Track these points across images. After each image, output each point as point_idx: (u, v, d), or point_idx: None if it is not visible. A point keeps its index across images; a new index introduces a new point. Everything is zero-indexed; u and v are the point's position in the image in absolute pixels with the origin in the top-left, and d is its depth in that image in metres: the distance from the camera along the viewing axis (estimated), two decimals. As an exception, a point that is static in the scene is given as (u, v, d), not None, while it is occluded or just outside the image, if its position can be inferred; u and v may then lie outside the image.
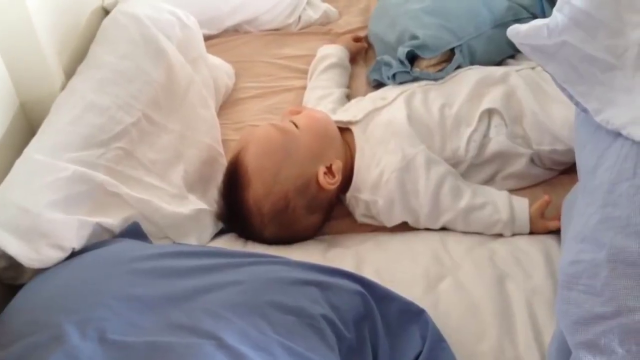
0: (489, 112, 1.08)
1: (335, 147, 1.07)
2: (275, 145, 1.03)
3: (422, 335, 0.81)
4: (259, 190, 1.00)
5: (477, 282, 0.91)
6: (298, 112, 1.11)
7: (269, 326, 0.72)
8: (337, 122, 1.12)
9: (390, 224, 1.05)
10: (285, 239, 1.02)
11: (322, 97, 1.24)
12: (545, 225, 1.01)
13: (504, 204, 1.02)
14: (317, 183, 1.02)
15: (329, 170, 1.03)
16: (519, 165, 1.07)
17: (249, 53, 1.43)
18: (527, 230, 1.01)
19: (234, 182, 1.02)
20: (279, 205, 1.00)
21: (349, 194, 1.06)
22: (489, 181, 1.09)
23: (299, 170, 1.01)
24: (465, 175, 1.07)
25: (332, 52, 1.34)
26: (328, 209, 1.06)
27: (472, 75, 1.14)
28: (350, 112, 1.14)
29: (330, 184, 1.02)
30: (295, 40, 1.47)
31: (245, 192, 1.00)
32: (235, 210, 1.02)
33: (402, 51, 1.19)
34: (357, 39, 1.41)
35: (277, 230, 1.01)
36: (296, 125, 1.06)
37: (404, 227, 1.06)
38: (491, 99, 1.08)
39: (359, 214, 1.07)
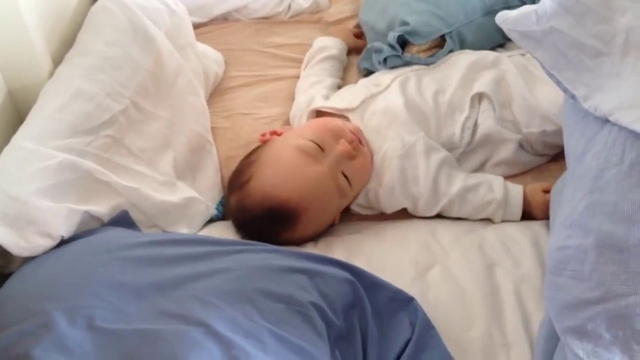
0: (479, 96, 1.08)
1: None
2: (328, 209, 1.02)
3: (411, 322, 0.82)
4: (296, 234, 1.00)
5: (466, 270, 0.92)
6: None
7: (258, 313, 0.72)
8: (332, 109, 1.11)
9: (390, 210, 1.05)
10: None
11: (315, 83, 1.24)
12: (544, 198, 1.02)
13: (499, 185, 1.03)
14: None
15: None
16: (508, 151, 1.07)
17: (238, 41, 1.42)
18: (519, 215, 1.02)
19: (277, 221, 0.98)
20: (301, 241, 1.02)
21: None
22: (479, 169, 1.09)
23: (327, 223, 1.04)
24: (457, 163, 1.08)
25: (332, 44, 1.33)
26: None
27: (463, 59, 1.15)
28: (345, 100, 1.14)
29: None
30: (285, 29, 1.46)
31: (286, 232, 0.99)
32: (262, 238, 0.97)
33: (392, 35, 1.19)
34: (357, 35, 1.40)
35: None
36: (349, 181, 1.01)
37: (394, 216, 1.06)
38: (481, 83, 1.09)
39: (355, 204, 1.07)
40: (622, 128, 0.64)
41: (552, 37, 0.71)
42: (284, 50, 1.40)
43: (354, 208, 1.08)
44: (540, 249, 0.94)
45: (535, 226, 0.99)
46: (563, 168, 0.89)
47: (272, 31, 1.45)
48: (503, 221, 1.02)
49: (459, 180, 1.03)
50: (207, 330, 0.68)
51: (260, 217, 0.98)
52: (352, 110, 1.10)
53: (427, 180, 1.02)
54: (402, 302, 0.84)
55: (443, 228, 1.01)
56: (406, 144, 1.03)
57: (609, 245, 0.61)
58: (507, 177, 1.08)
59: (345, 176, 1.00)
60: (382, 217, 1.06)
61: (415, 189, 1.02)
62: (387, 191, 1.03)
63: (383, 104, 1.09)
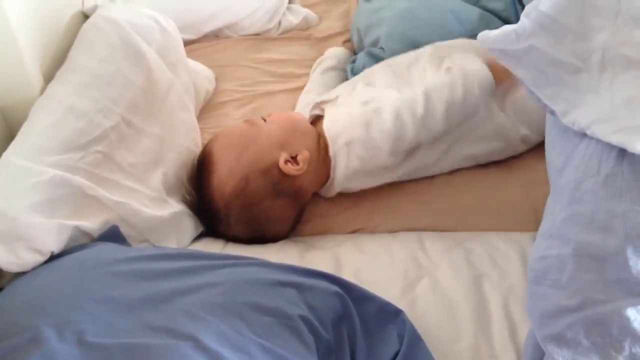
0: None
1: (304, 141, 1.08)
2: (240, 134, 1.07)
3: (399, 335, 0.82)
4: (222, 173, 1.03)
5: (454, 282, 0.92)
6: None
7: (247, 327, 0.73)
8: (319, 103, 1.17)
9: (379, 155, 1.04)
10: (253, 228, 1.03)
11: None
12: None
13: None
14: (279, 169, 1.04)
15: (294, 160, 1.05)
16: None
17: (229, 58, 1.44)
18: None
19: (200, 168, 1.06)
20: (240, 185, 1.02)
21: (332, 151, 1.06)
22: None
23: (260, 155, 1.04)
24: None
25: (333, 54, 1.38)
26: (295, 198, 1.06)
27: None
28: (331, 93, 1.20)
29: (293, 169, 1.04)
30: (276, 45, 1.48)
31: (210, 176, 1.04)
32: (202, 197, 1.05)
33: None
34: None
35: (241, 214, 1.02)
36: (265, 120, 1.10)
37: (382, 228, 1.07)
38: None
39: (341, 174, 1.06)
40: (598, 141, 0.66)
41: (531, 55, 0.73)
42: (274, 66, 1.42)
43: (339, 186, 1.08)
44: (526, 261, 0.94)
45: (523, 239, 1.00)
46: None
47: (262, 47, 1.48)
48: (491, 231, 1.03)
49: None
50: (196, 344, 0.68)
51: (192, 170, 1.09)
52: (329, 101, 1.16)
53: (391, 112, 1.03)
54: (391, 314, 0.84)
55: (431, 240, 1.02)
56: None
57: (586, 254, 0.63)
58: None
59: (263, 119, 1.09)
60: (372, 228, 1.07)
61: (383, 120, 1.03)
62: (363, 132, 1.03)
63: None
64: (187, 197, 1.08)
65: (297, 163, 1.05)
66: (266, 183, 1.03)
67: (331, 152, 1.06)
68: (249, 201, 1.02)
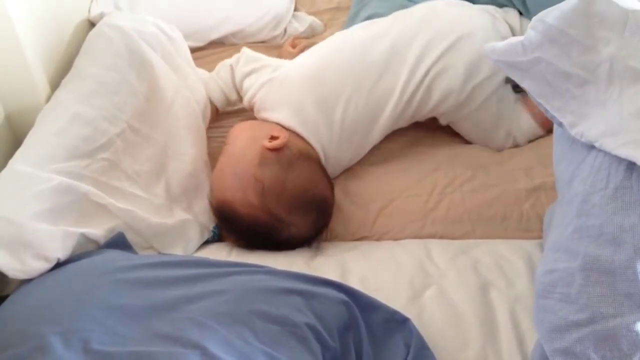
0: None
1: (268, 126, 1.12)
2: (221, 166, 1.10)
3: (406, 343, 0.82)
4: (238, 195, 1.03)
5: (461, 290, 0.92)
6: None
7: (253, 335, 0.73)
8: None
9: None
10: (306, 204, 1.04)
11: None
12: None
13: None
14: (268, 150, 1.06)
15: (274, 138, 1.08)
16: None
17: (234, 65, 1.44)
18: None
19: (224, 216, 1.06)
20: (257, 187, 1.03)
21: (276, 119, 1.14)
22: None
23: (247, 157, 1.06)
24: None
25: None
26: (306, 158, 1.09)
27: None
28: None
29: (279, 141, 1.07)
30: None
31: (235, 209, 1.03)
32: (246, 228, 1.04)
33: None
34: (294, 45, 1.46)
35: (285, 205, 1.03)
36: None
37: (388, 235, 1.07)
38: None
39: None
40: (607, 154, 0.66)
41: (538, 67, 0.72)
42: (279, 73, 1.41)
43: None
44: (533, 269, 0.94)
45: (529, 246, 1.00)
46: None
47: (268, 55, 1.47)
48: (497, 239, 1.04)
49: None
50: (202, 352, 0.68)
51: (222, 227, 1.10)
52: None
53: None
54: (397, 322, 0.84)
55: (438, 248, 1.02)
56: None
57: (595, 268, 0.62)
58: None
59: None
60: (376, 235, 1.08)
61: None
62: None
63: None
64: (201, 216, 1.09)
65: (277, 138, 1.08)
66: (273, 167, 1.05)
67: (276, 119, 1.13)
68: (278, 190, 1.03)
